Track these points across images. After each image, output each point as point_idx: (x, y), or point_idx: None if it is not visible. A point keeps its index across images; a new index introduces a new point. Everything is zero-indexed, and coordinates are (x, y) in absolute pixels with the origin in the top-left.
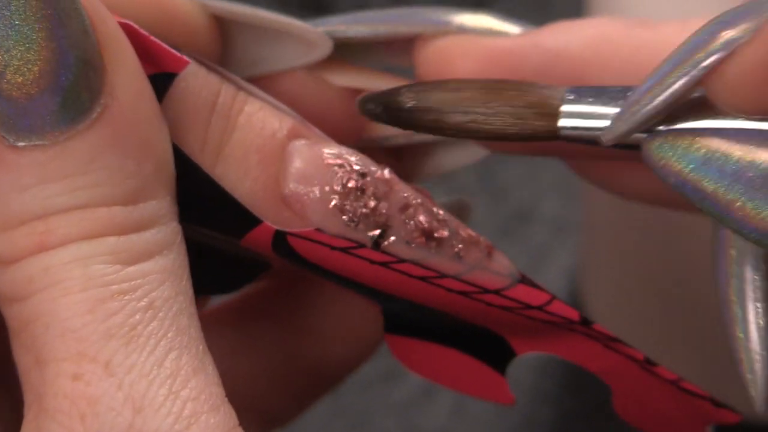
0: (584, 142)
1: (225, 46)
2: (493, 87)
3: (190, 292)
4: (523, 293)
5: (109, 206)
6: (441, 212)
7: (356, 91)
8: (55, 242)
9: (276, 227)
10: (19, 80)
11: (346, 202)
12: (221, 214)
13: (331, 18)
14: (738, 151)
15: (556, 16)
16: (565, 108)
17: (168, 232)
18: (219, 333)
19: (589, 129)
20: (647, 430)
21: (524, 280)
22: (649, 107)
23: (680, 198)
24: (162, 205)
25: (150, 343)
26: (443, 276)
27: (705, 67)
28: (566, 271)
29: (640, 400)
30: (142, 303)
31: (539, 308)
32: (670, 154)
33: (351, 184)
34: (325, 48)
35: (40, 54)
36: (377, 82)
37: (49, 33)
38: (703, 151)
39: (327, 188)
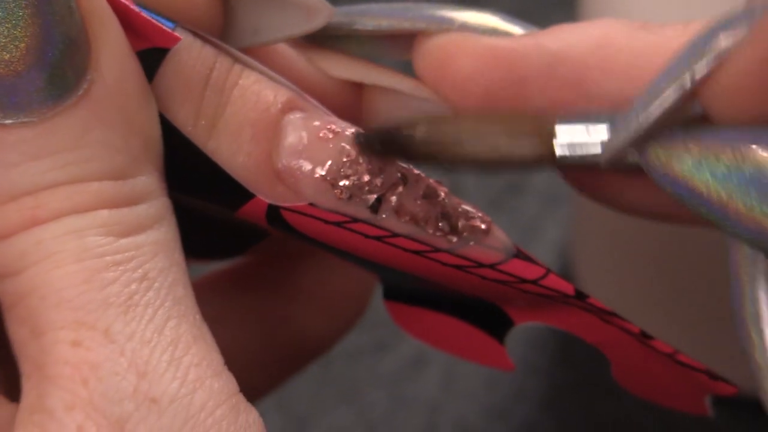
0: (583, 167)
1: (227, 14)
2: (490, 117)
3: (184, 265)
4: (518, 267)
5: (99, 180)
6: (438, 188)
7: (353, 84)
8: (47, 216)
9: (269, 201)
10: (6, 57)
11: (339, 177)
12: (215, 188)
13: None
14: (729, 151)
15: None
16: (560, 128)
17: (159, 206)
18: (202, 303)
19: (586, 155)
20: (646, 397)
21: (519, 254)
22: (644, 121)
23: (679, 211)
24: (151, 180)
25: (148, 311)
26: (437, 250)
27: (697, 78)
28: (557, 242)
29: (638, 371)
30: (137, 273)
31: (534, 282)
32: (665, 159)
33: (344, 159)
34: (326, 14)
35: (27, 31)
36: (374, 75)
37: (35, 10)
38: (696, 152)
39: (320, 162)
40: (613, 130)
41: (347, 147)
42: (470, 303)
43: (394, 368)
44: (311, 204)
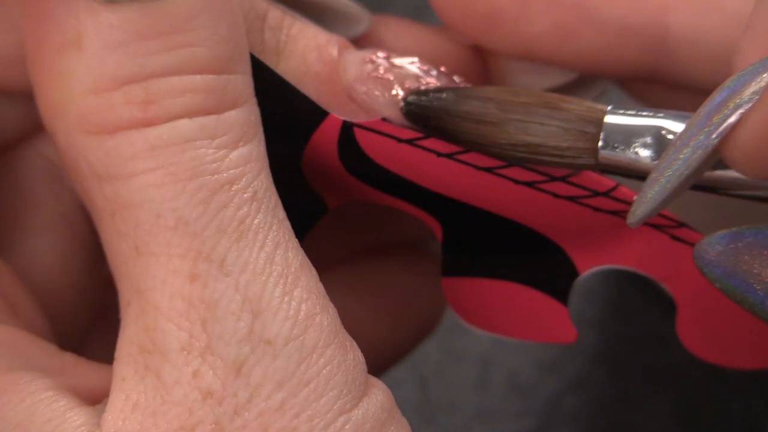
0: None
1: None
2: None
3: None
4: (589, 180)
5: (203, 74)
6: None
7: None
8: (159, 117)
9: (342, 118)
10: None
11: (410, 88)
12: (288, 111)
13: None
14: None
15: None
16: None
17: (255, 111)
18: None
19: (627, 164)
20: (709, 357)
21: None
22: (668, 188)
23: None
24: (246, 80)
25: (259, 237)
26: (507, 165)
27: (716, 136)
28: None
29: (706, 314)
30: (248, 193)
31: (605, 194)
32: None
33: (413, 72)
34: (367, 22)
35: None
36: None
37: None
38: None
39: (389, 76)
40: (637, 199)
41: (413, 63)
42: (533, 251)
43: (445, 321)
44: (384, 119)
